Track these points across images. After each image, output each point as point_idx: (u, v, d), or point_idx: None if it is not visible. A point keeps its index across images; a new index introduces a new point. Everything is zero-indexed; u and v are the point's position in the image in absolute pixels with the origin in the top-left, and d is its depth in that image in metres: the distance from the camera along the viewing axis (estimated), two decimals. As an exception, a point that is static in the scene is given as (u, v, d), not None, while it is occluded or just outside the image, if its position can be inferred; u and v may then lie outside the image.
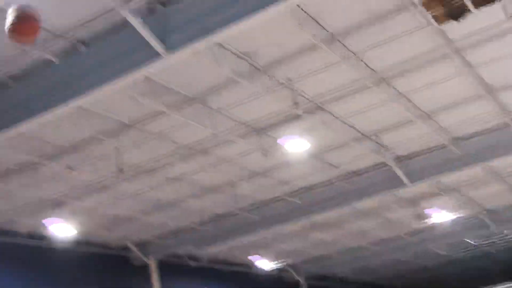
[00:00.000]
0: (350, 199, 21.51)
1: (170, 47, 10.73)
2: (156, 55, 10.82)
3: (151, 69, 11.50)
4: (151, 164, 16.97)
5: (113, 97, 13.41)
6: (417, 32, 12.51)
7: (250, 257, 28.46)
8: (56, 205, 19.04)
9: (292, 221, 22.82)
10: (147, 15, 10.63)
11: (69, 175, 16.55)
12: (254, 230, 23.22)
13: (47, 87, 12.03)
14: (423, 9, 11.10)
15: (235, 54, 12.66)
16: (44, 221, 19.59)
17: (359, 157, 18.74)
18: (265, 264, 29.34)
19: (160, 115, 14.68)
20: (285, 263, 30.45)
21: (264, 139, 16.61)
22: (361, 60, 13.50)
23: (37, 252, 21.00)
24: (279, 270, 31.65)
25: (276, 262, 29.45)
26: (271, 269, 30.14)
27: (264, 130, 16.32)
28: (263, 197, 21.05)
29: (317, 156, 18.47)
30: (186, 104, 14.33)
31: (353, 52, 13.08)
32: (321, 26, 12.10)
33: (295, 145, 16.73)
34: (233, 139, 16.32)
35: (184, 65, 12.68)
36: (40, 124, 13.27)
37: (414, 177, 20.15)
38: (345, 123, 16.53)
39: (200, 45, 10.82)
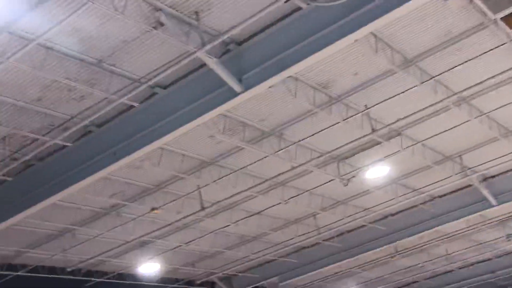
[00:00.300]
0: (435, 223, 20.92)
1: (247, 85, 10.81)
2: (233, 93, 10.92)
3: (228, 107, 11.61)
4: (232, 200, 17.04)
5: (192, 136, 13.65)
6: (497, 49, 12.10)
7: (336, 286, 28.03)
8: (142, 245, 19.43)
9: (376, 248, 22.38)
10: (223, 55, 10.77)
11: (153, 215, 16.84)
12: (338, 259, 22.92)
13: (130, 131, 12.35)
14: (503, 26, 10.74)
15: (311, 86, 12.63)
16: (131, 261, 20.05)
17: (443, 179, 18.16)
18: (351, 293, 28.82)
19: (238, 151, 14.79)
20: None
21: (344, 168, 16.42)
22: (440, 82, 13.19)
23: (125, 291, 21.48)
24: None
25: (362, 290, 28.88)
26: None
27: (343, 158, 16.16)
28: (345, 225, 20.73)
29: (399, 181, 18.12)
30: (264, 138, 14.36)
31: (430, 75, 12.79)
32: (397, 51, 11.92)
33: (376, 172, 16.49)
34: (312, 170, 16.21)
35: (260, 100, 12.77)
36: (123, 166, 13.64)
37: (502, 197, 19.42)
38: (426, 146, 16.14)
39: (276, 80, 10.85)
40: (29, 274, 18.91)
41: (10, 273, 18.49)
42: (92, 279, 20.64)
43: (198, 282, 24.05)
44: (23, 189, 13.75)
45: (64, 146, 13.06)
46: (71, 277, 19.98)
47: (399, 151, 15.66)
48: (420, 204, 20.29)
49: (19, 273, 18.63)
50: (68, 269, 19.62)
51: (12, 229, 15.70)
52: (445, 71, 12.67)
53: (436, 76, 12.79)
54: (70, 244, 17.96)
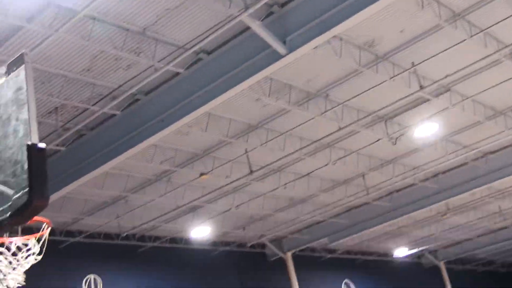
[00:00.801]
0: (487, 179, 20.56)
1: (291, 47, 10.73)
2: (277, 56, 10.86)
3: (273, 70, 11.56)
4: (280, 163, 17.09)
5: (238, 100, 13.68)
6: (550, -2, 11.66)
7: (387, 245, 28.03)
8: (192, 210, 19.74)
9: (427, 207, 22.20)
10: (266, 17, 10.69)
11: (202, 180, 17.05)
12: (387, 218, 22.83)
13: (176, 98, 12.45)
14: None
15: (356, 45, 12.45)
16: (183, 225, 20.42)
17: (494, 135, 17.79)
18: (402, 251, 28.75)
19: (285, 113, 14.76)
20: (422, 249, 29.69)
21: (392, 127, 16.24)
22: (490, 35, 12.81)
23: (179, 254, 21.90)
24: (417, 256, 30.95)
25: (413, 248, 28.77)
26: (408, 256, 29.50)
27: (391, 117, 15.97)
28: (394, 185, 20.59)
29: (449, 138, 17.83)
30: (310, 100, 14.29)
31: (479, 28, 12.43)
32: (444, 5, 11.60)
33: (425, 130, 16.25)
34: (359, 130, 16.09)
35: (305, 61, 12.66)
36: (172, 133, 13.79)
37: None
38: (476, 101, 15.80)
39: (320, 40, 10.73)
40: (85, 240, 19.46)
41: (68, 239, 19.07)
42: (146, 244, 21.10)
43: (249, 244, 24.36)
44: (76, 158, 14.09)
45: (113, 115, 13.28)
46: (126, 242, 20.47)
47: (448, 107, 15.38)
48: (471, 161, 19.96)
49: (76, 239, 19.20)
50: (122, 235, 20.11)
51: (67, 197, 16.18)
52: (495, 23, 12.29)
53: (486, 29, 12.43)
54: (124, 210, 18.40)
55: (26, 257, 7.13)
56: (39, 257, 7.24)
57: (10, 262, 7.08)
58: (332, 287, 27.27)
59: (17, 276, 7.08)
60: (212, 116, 14.20)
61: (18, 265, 7.11)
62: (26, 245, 7.18)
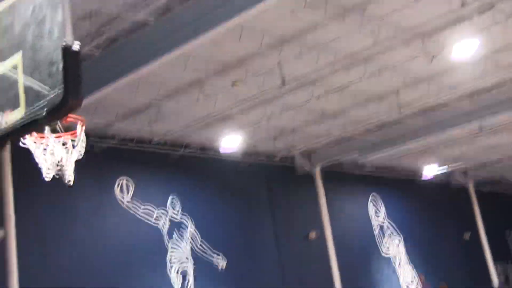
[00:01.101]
0: (524, 102, 20.22)
1: (330, -44, 10.41)
2: (315, -35, 10.58)
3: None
4: (313, 76, 16.96)
5: (273, 11, 13.43)
6: None
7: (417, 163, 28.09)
8: (223, 119, 19.88)
9: (460, 126, 22.00)
10: None
11: (234, 90, 17.08)
12: (419, 136, 22.73)
13: (209, 7, 12.31)
14: None
15: (397, -44, 12.03)
16: (213, 135, 20.66)
17: (535, 56, 17.35)
18: (431, 170, 28.75)
19: (320, 26, 14.50)
20: (452, 169, 29.67)
21: (430, 44, 15.87)
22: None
23: (209, 164, 22.26)
24: (447, 176, 30.96)
25: (443, 168, 28.76)
26: (437, 175, 29.53)
27: (429, 34, 15.57)
28: (429, 103, 20.35)
29: (488, 58, 17.40)
30: (346, 13, 13.98)
31: None
32: None
33: (464, 48, 15.87)
34: (395, 46, 15.77)
35: (344, -28, 12.33)
36: (205, 42, 13.71)
37: None
38: (520, 20, 15.28)
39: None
40: (118, 145, 19.81)
41: (101, 143, 19.40)
42: (177, 151, 21.39)
43: (278, 157, 24.59)
44: (109, 63, 14.16)
45: (147, 22, 13.23)
46: (157, 149, 20.80)
47: (490, 26, 14.90)
48: (509, 81, 19.53)
49: (109, 144, 19.56)
50: (154, 142, 20.42)
51: (100, 102, 16.35)
52: None
53: None
54: (156, 117, 18.61)
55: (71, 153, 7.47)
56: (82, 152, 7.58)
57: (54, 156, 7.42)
58: (359, 202, 27.65)
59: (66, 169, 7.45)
60: (245, 27, 14.02)
61: (62, 160, 7.45)
62: (66, 143, 7.54)
